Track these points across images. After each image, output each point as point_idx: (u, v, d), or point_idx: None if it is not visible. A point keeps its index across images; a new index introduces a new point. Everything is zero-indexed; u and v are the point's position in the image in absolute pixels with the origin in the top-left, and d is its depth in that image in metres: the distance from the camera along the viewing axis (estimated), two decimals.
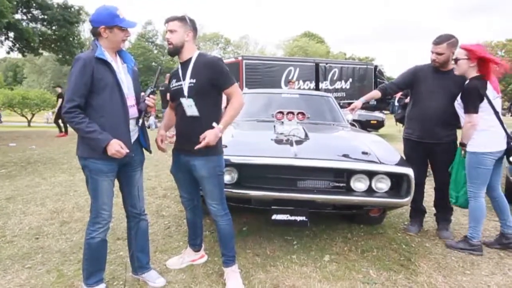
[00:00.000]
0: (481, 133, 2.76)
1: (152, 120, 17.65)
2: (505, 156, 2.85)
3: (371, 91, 3.63)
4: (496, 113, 2.78)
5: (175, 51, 2.28)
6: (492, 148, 2.78)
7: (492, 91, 2.77)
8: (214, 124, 2.18)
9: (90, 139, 1.98)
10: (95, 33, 2.07)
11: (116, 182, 2.24)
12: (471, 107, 2.74)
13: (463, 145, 2.84)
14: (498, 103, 2.81)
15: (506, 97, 38.85)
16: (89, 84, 1.97)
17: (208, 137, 2.13)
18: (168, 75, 2.52)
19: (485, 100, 2.74)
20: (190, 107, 2.24)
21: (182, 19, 2.24)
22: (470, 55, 2.75)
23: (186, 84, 2.25)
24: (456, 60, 2.83)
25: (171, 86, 2.37)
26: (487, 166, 2.78)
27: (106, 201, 2.12)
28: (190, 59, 2.28)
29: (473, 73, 2.79)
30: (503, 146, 2.81)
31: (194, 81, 2.23)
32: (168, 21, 2.25)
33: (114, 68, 2.06)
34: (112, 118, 2.04)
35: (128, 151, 2.03)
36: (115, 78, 2.05)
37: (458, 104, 2.85)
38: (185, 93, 2.24)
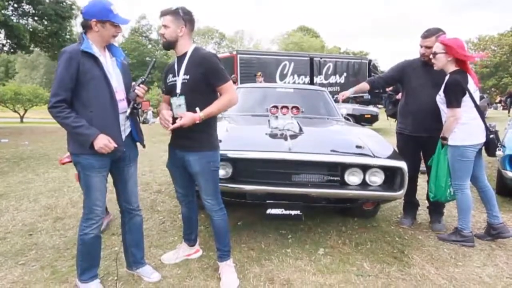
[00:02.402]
0: (462, 127, 2.79)
1: (149, 115, 17.51)
2: (483, 148, 2.90)
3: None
4: (477, 106, 2.82)
5: (168, 46, 2.26)
6: (474, 141, 2.81)
7: (472, 84, 2.80)
8: (197, 109, 2.15)
9: (77, 134, 1.96)
10: (85, 26, 2.02)
11: (110, 178, 2.22)
12: (455, 102, 2.76)
13: (445, 138, 2.87)
14: (477, 96, 2.85)
15: (498, 91, 39.15)
16: (74, 78, 1.93)
17: (184, 118, 2.12)
18: None
19: (467, 94, 2.76)
20: (178, 107, 2.21)
21: (175, 13, 2.19)
22: (447, 49, 2.77)
23: (179, 80, 2.22)
24: (434, 54, 2.85)
25: (167, 81, 2.34)
26: (470, 158, 2.82)
27: (99, 197, 2.11)
28: (185, 54, 2.25)
29: (452, 67, 2.81)
30: (483, 138, 2.85)
31: (187, 77, 2.20)
32: (161, 15, 2.22)
33: (101, 62, 2.02)
34: (101, 112, 2.00)
35: (116, 145, 2.00)
36: (102, 72, 2.01)
37: (441, 99, 2.87)
38: (178, 90, 2.22)
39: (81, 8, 2.07)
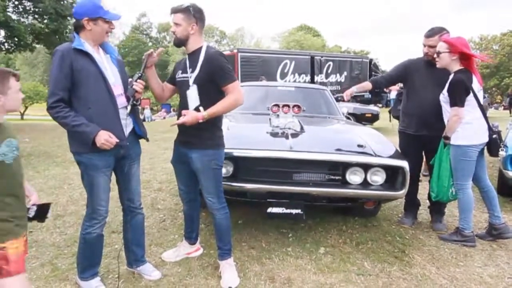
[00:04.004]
0: (465, 126, 2.78)
1: (148, 113, 17.45)
2: (485, 148, 2.89)
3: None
4: (480, 105, 2.80)
5: (180, 43, 2.25)
6: (476, 141, 2.80)
7: (476, 84, 2.79)
8: (200, 108, 2.14)
9: (78, 132, 1.93)
10: (78, 26, 2.00)
11: (113, 175, 2.21)
12: (458, 101, 2.74)
13: (447, 138, 2.86)
14: (481, 95, 2.83)
15: (499, 91, 39.11)
16: (69, 76, 1.92)
17: (186, 116, 2.11)
18: None
19: (471, 93, 2.75)
20: (192, 99, 2.20)
21: (186, 11, 2.17)
22: (451, 48, 2.75)
23: (190, 76, 2.22)
24: (438, 54, 2.84)
25: (177, 77, 2.34)
26: (472, 158, 2.81)
27: (102, 197, 2.09)
28: (195, 52, 2.24)
29: (456, 66, 2.80)
30: (486, 138, 2.84)
31: (195, 75, 2.20)
32: (172, 12, 2.21)
33: (95, 58, 2.00)
34: (100, 108, 1.99)
35: (117, 140, 1.98)
36: (97, 68, 1.99)
37: (444, 98, 2.85)
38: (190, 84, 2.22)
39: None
